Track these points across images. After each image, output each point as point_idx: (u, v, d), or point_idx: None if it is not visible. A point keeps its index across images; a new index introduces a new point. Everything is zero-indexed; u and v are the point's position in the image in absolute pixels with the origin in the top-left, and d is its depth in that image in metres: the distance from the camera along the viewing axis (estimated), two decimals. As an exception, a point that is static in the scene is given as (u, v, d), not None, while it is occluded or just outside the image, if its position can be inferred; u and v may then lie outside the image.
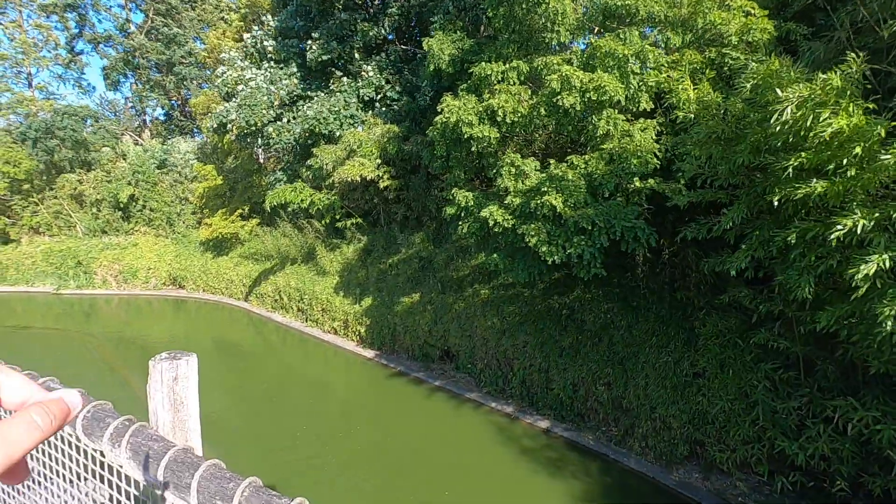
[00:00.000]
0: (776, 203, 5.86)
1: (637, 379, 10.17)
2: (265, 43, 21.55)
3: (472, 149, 10.68)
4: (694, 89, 7.42)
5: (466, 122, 10.40)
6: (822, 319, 6.58)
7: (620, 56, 8.55)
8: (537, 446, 11.07)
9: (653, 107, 9.08)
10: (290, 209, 22.02)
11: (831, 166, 5.72)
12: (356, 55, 19.85)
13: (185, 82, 34.52)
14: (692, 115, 7.11)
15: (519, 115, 10.19)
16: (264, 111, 19.72)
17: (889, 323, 5.69)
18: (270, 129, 19.66)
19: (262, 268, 22.70)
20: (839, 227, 5.70)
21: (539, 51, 11.26)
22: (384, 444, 11.39)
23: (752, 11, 8.20)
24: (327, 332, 18.32)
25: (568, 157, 9.24)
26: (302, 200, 17.76)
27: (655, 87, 9.02)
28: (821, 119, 5.53)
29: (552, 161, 8.97)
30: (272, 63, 21.28)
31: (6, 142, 28.09)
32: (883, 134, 5.65)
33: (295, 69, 21.04)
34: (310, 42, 19.71)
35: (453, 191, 11.04)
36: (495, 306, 13.31)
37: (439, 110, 11.48)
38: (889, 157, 5.38)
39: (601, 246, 8.30)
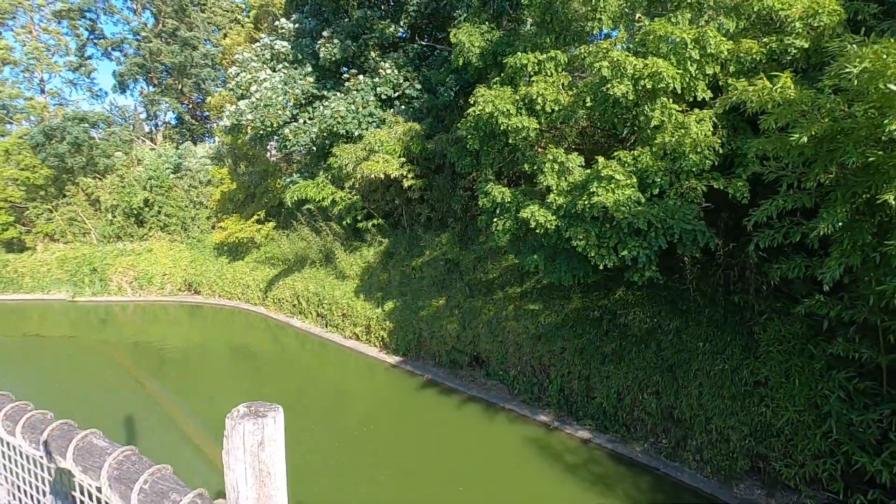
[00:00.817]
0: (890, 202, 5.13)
1: (689, 387, 9.52)
2: (278, 45, 21.14)
3: (510, 141, 10.06)
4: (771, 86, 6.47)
5: (503, 112, 9.81)
6: None
7: (678, 40, 7.92)
8: (580, 460, 10.46)
9: (711, 96, 8.43)
10: (306, 209, 21.61)
11: None
12: (372, 53, 19.35)
13: (201, 85, 34.24)
14: (780, 119, 6.12)
15: (560, 105, 9.59)
16: (280, 112, 19.27)
17: None
18: (286, 131, 19.20)
19: (278, 272, 22.25)
20: None
21: (578, 41, 10.65)
22: (411, 456, 10.84)
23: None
24: (348, 337, 17.81)
25: (615, 153, 8.62)
26: (323, 198, 17.27)
27: (712, 76, 8.38)
28: None
29: (600, 158, 8.35)
30: (286, 64, 20.85)
31: (23, 147, 27.93)
32: None
33: (310, 69, 20.58)
34: (323, 41, 19.24)
35: (488, 186, 10.44)
36: (528, 310, 12.70)
37: (472, 102, 10.91)
38: None
39: (658, 248, 7.67)
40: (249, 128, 19.08)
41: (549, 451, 10.74)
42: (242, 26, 32.28)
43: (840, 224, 5.60)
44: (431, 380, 14.26)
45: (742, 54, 7.86)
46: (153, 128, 37.02)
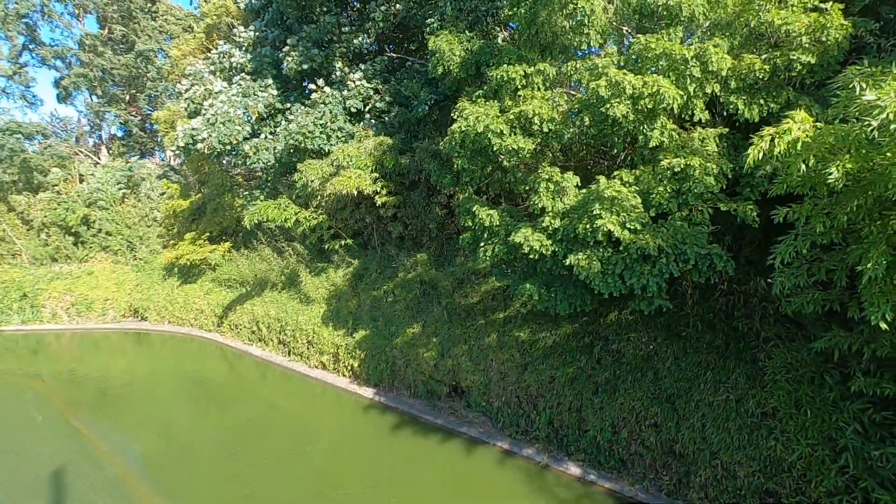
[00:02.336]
0: None
1: (691, 419, 8.94)
2: (236, 55, 19.86)
3: (504, 163, 9.36)
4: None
5: (496, 132, 9.10)
6: None
7: (678, 56, 7.47)
8: (573, 499, 9.68)
9: (708, 117, 8.02)
10: (266, 227, 20.23)
11: None
12: (339, 63, 18.45)
13: (153, 97, 32.22)
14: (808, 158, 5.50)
15: (555, 123, 8.98)
16: (239, 128, 17.97)
17: None
18: (246, 147, 17.90)
19: (236, 295, 20.66)
20: None
21: (564, 55, 10.16)
22: (385, 498, 9.76)
23: (824, 6, 7.28)
24: (314, 366, 16.50)
25: (615, 173, 8.05)
26: (286, 219, 16.03)
27: (710, 94, 7.97)
28: None
29: (601, 178, 7.74)
30: (245, 75, 19.61)
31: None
32: None
33: (270, 81, 19.43)
34: (287, 49, 18.18)
35: (475, 207, 9.66)
36: (514, 336, 11.93)
37: (454, 117, 10.17)
38: None
39: (668, 275, 7.08)
40: (205, 147, 17.65)
41: (538, 490, 9.91)
42: (193, 36, 30.66)
43: (881, 268, 5.06)
44: (406, 412, 13.21)
45: (744, 70, 7.50)
46: (97, 140, 34.50)
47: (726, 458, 8.43)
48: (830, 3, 7.24)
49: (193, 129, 17.95)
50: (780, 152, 5.38)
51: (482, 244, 9.56)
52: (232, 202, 22.92)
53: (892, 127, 4.61)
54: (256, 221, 16.31)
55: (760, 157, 5.53)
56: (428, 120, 15.59)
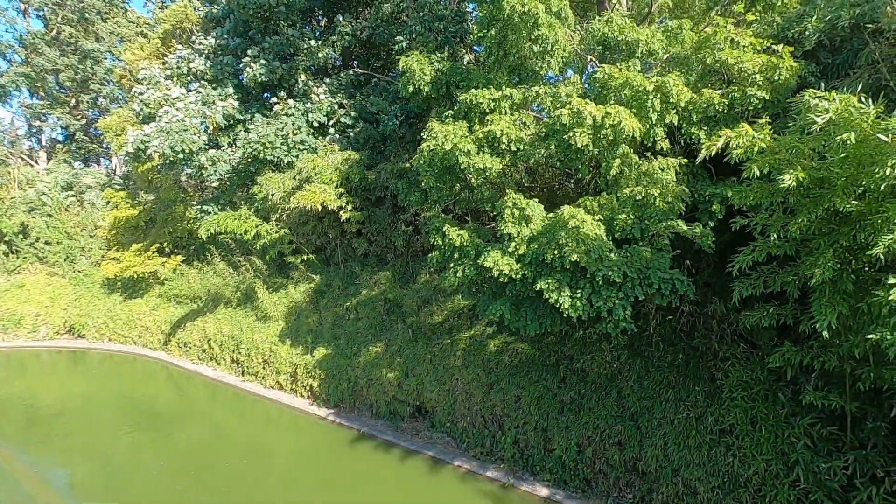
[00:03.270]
0: (879, 255, 5.07)
1: (654, 437, 9.16)
2: (196, 61, 19.24)
3: (472, 181, 9.44)
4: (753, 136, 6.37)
5: (464, 151, 9.19)
6: None
7: (640, 88, 7.84)
8: (540, 520, 9.65)
9: (669, 146, 8.44)
10: (222, 241, 19.44)
11: None
12: (302, 76, 18.21)
13: (98, 101, 30.57)
14: (763, 165, 5.93)
15: (523, 143, 9.17)
16: (195, 137, 17.31)
17: None
18: (203, 158, 17.23)
19: (186, 312, 19.63)
20: None
21: (531, 79, 10.46)
22: None
23: (777, 49, 7.88)
24: (270, 387, 15.83)
25: (581, 200, 8.28)
26: (246, 231, 15.45)
27: (670, 125, 8.40)
28: None
29: (565, 206, 7.94)
30: (204, 83, 18.99)
31: None
32: None
33: (231, 90, 18.91)
34: (248, 59, 17.79)
35: (444, 228, 9.66)
36: (479, 356, 11.91)
37: (423, 137, 10.22)
38: None
39: (634, 299, 7.31)
40: (156, 155, 16.84)
41: (504, 510, 9.84)
42: (148, 41, 29.45)
43: (829, 275, 5.50)
44: (368, 433, 12.85)
45: (704, 104, 7.96)
46: (35, 145, 32.32)
47: (687, 474, 8.66)
48: (781, 45, 7.83)
49: (145, 135, 17.13)
50: (738, 155, 5.73)
51: (452, 265, 9.54)
52: (184, 213, 21.94)
53: (838, 139, 5.00)
54: (213, 232, 15.64)
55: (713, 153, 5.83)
56: (395, 136, 15.58)
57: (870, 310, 5.51)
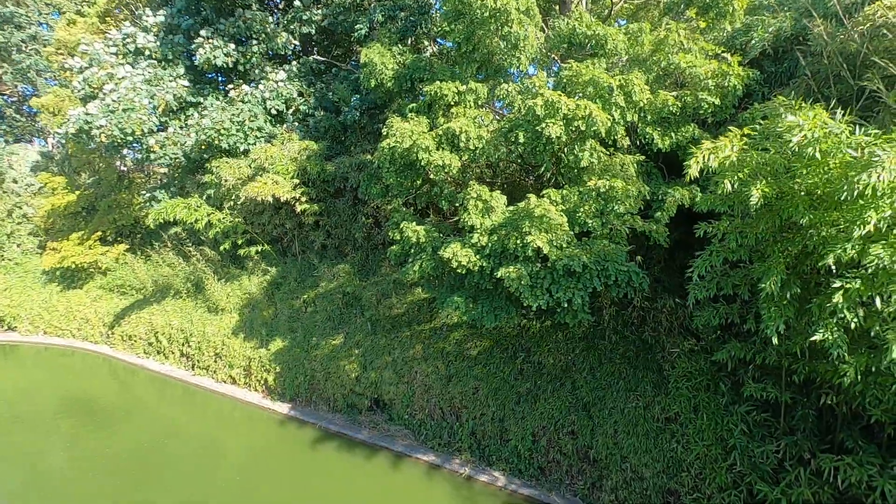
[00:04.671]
0: (828, 264, 5.37)
1: (605, 426, 9.54)
2: (141, 38, 18.14)
3: (432, 177, 9.45)
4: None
5: (423, 148, 9.18)
6: (847, 375, 6.18)
7: (605, 85, 8.06)
8: (495, 507, 9.88)
9: (628, 143, 8.74)
10: (172, 231, 18.60)
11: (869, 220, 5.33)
12: (256, 60, 17.56)
13: (27, 74, 28.30)
14: (733, 178, 6.24)
15: (483, 141, 9.24)
16: (144, 118, 16.40)
17: None
18: (152, 141, 16.36)
19: (131, 303, 18.70)
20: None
21: (497, 75, 10.54)
22: None
23: (726, 56, 8.29)
24: (222, 381, 15.36)
25: (544, 192, 8.45)
26: (197, 220, 14.83)
27: (629, 122, 8.70)
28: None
29: (531, 196, 8.09)
30: (153, 62, 17.98)
31: None
32: None
33: (182, 70, 18.02)
34: (200, 40, 16.98)
35: (402, 225, 9.64)
36: (438, 349, 11.99)
37: (384, 134, 10.13)
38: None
39: (592, 290, 7.56)
40: (102, 136, 15.83)
41: (461, 500, 10.00)
42: (84, 17, 27.41)
43: (779, 284, 5.81)
44: (325, 428, 12.72)
45: (659, 105, 8.28)
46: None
47: (635, 461, 9.09)
48: (730, 54, 8.25)
49: (89, 114, 16.07)
50: (713, 168, 5.97)
51: (410, 259, 9.55)
52: (130, 200, 20.80)
53: (809, 150, 5.28)
54: (162, 221, 14.93)
55: (699, 171, 6.03)
56: (356, 127, 15.34)
57: (816, 311, 5.87)
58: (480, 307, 9.07)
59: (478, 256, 8.49)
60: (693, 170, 5.92)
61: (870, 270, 5.17)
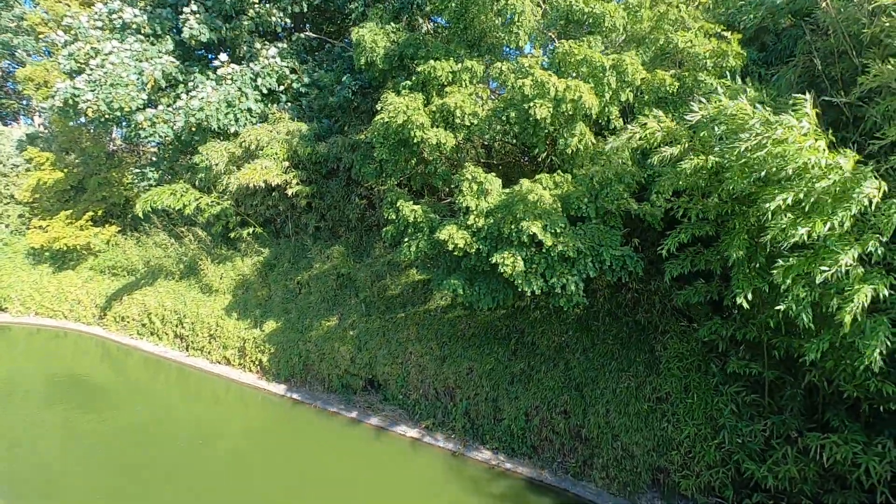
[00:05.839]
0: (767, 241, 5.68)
1: (597, 406, 9.67)
2: (128, 13, 17.62)
3: (425, 155, 9.34)
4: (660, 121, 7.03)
5: (417, 125, 9.05)
6: (810, 351, 6.43)
7: (598, 64, 7.95)
8: (487, 484, 10.04)
9: (622, 124, 8.65)
10: (163, 211, 18.39)
11: (810, 199, 5.59)
12: (248, 37, 17.16)
13: (13, 52, 27.55)
14: (672, 153, 6.64)
15: (478, 118, 9.13)
16: (133, 94, 16.04)
17: (875, 358, 5.74)
18: (141, 118, 16.05)
19: (123, 284, 18.58)
20: (824, 268, 5.56)
21: (491, 53, 10.36)
22: (298, 496, 9.46)
23: (726, 35, 8.17)
24: (216, 362, 15.38)
25: (538, 177, 8.39)
26: (185, 206, 14.67)
27: (625, 103, 8.61)
28: (786, 154, 5.51)
29: (524, 180, 8.02)
30: (140, 37, 17.51)
31: None
32: (850, 167, 5.65)
33: (171, 46, 17.59)
34: (188, 13, 16.51)
35: (399, 203, 9.56)
36: (433, 330, 12.05)
37: (379, 109, 9.97)
38: (863, 189, 5.35)
39: (587, 276, 7.58)
40: (89, 111, 15.49)
41: (455, 477, 10.17)
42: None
43: (741, 253, 6.08)
44: (320, 407, 12.82)
45: (657, 84, 8.19)
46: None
47: (626, 439, 9.24)
48: (730, 32, 8.13)
49: (76, 88, 15.69)
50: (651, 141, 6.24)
51: (406, 239, 9.50)
52: (120, 178, 20.51)
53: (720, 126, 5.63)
54: (150, 209, 14.78)
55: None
56: (349, 107, 15.10)
57: (780, 281, 6.07)
58: (478, 289, 9.09)
59: (474, 238, 8.47)
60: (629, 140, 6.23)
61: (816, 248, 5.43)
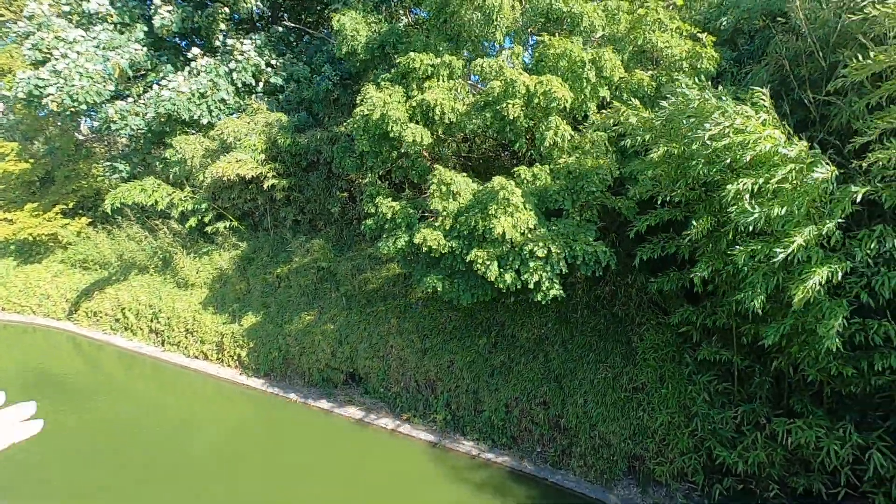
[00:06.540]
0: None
1: (575, 396, 9.89)
2: (94, 1, 16.95)
3: (402, 150, 9.34)
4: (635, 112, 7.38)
5: (394, 120, 9.03)
6: (769, 336, 6.81)
7: (576, 59, 8.05)
8: (468, 474, 10.19)
9: (601, 119, 8.79)
10: (136, 203, 17.93)
11: (769, 187, 5.92)
12: (223, 27, 16.76)
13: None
14: (643, 138, 6.99)
15: (457, 113, 9.15)
16: (100, 85, 15.53)
17: (832, 339, 6.05)
18: (111, 111, 15.56)
19: (95, 279, 18.09)
20: (779, 249, 5.89)
21: (471, 48, 10.37)
22: (279, 488, 9.46)
23: (700, 37, 8.36)
24: (193, 357, 15.16)
25: (515, 170, 8.48)
26: (157, 202, 14.37)
27: (603, 99, 8.74)
28: (745, 144, 5.86)
29: (496, 178, 8.10)
30: (108, 26, 16.90)
31: None
32: (805, 156, 5.99)
33: (141, 35, 17.06)
34: (158, 3, 16.04)
35: (377, 200, 9.56)
36: (414, 323, 12.10)
37: (359, 101, 9.91)
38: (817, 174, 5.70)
39: (560, 271, 7.74)
40: (52, 104, 14.95)
41: (437, 468, 10.29)
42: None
43: (705, 230, 6.41)
44: (300, 401, 12.78)
45: (635, 83, 8.33)
46: None
47: (603, 428, 9.49)
48: (705, 34, 8.32)
49: (40, 79, 15.12)
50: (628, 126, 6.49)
51: (385, 234, 9.51)
52: (88, 170, 19.89)
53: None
54: (118, 206, 14.44)
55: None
56: (329, 98, 14.92)
57: (736, 271, 6.41)
58: (457, 286, 9.16)
59: (447, 239, 8.55)
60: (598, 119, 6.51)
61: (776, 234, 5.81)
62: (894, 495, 7.06)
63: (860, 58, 6.20)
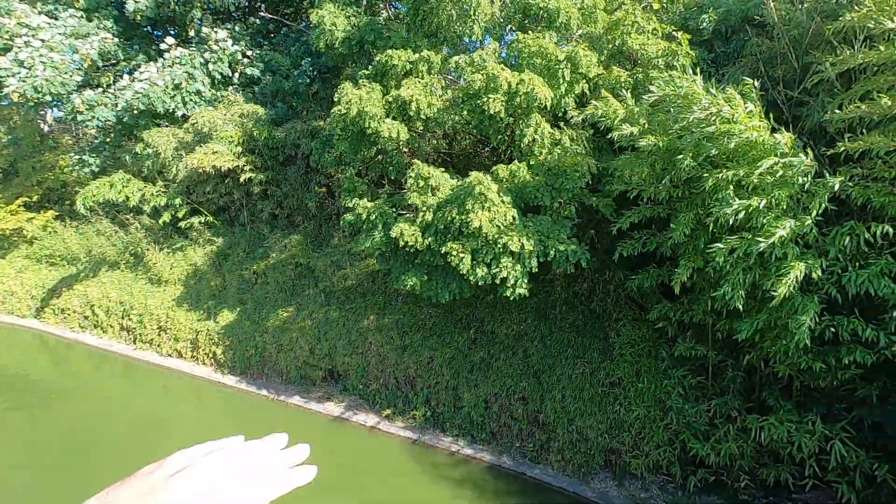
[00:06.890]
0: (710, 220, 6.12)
1: (553, 391, 9.98)
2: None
3: (379, 146, 9.25)
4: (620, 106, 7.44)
5: (371, 116, 8.93)
6: (743, 330, 7.01)
7: (551, 57, 8.07)
8: (449, 470, 10.23)
9: (580, 119, 8.84)
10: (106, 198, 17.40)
11: (752, 179, 6.06)
12: (198, 14, 16.30)
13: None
14: (632, 132, 7.02)
15: (434, 110, 9.09)
16: (66, 75, 14.95)
17: (803, 335, 6.24)
18: (78, 101, 15.00)
19: (63, 275, 17.49)
20: (761, 240, 6.06)
21: (451, 45, 10.31)
22: None
23: (676, 36, 8.46)
24: (167, 355, 14.79)
25: (494, 168, 8.48)
26: (128, 198, 13.96)
27: (581, 95, 8.79)
28: (731, 132, 5.99)
29: (473, 173, 8.09)
30: (74, 12, 16.27)
31: None
32: (788, 147, 6.16)
33: (111, 24, 16.49)
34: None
35: (353, 201, 9.47)
36: (393, 319, 12.03)
37: (336, 100, 9.77)
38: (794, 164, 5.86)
39: (530, 269, 7.80)
40: (14, 95, 14.34)
41: (415, 464, 10.29)
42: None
43: (687, 232, 6.50)
44: (278, 399, 12.61)
45: (613, 81, 8.40)
46: None
47: (580, 423, 9.61)
48: (681, 33, 8.43)
49: (1, 68, 14.48)
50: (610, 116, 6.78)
51: (363, 232, 9.43)
52: (56, 161, 19.19)
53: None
54: (91, 205, 14.00)
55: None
56: (307, 92, 14.67)
57: (715, 270, 6.52)
58: (435, 284, 9.13)
59: (424, 235, 8.52)
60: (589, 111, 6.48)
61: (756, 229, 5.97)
62: (857, 484, 7.33)
63: (837, 54, 6.43)
